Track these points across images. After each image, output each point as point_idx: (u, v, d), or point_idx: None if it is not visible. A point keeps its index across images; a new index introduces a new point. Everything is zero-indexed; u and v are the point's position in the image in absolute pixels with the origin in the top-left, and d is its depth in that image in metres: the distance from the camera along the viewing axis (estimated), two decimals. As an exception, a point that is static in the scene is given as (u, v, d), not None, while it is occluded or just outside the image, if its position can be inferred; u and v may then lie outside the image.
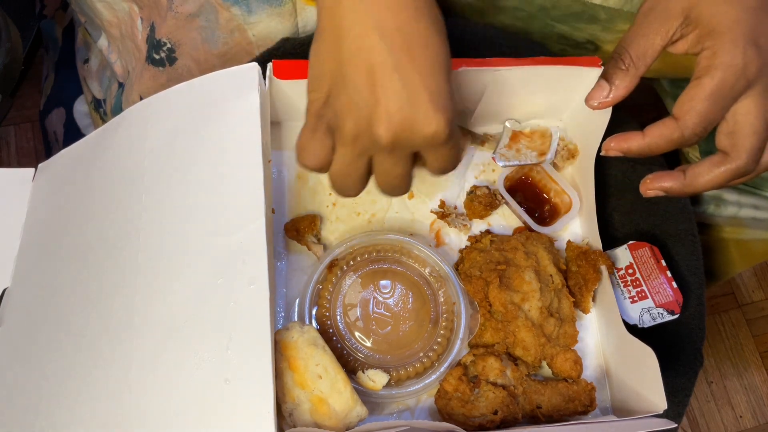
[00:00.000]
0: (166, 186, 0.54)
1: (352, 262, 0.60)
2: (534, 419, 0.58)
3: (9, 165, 1.24)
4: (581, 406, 0.59)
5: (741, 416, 1.33)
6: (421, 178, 0.67)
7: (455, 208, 0.66)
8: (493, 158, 0.67)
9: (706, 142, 0.70)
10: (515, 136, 0.67)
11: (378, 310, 0.59)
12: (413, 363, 0.58)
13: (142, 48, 0.69)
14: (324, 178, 0.65)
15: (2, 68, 0.56)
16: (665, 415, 0.54)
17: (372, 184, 0.67)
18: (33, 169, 0.62)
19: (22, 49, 0.61)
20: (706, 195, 0.74)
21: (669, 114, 0.74)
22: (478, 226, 0.66)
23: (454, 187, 0.67)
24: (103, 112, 0.82)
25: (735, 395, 1.34)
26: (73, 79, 0.91)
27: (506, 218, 0.67)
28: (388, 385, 0.56)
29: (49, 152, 1.00)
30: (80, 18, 0.81)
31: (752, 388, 1.35)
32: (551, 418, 0.58)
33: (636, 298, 0.62)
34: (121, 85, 0.76)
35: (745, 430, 1.32)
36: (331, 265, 0.60)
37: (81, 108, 0.91)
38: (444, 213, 0.65)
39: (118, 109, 0.76)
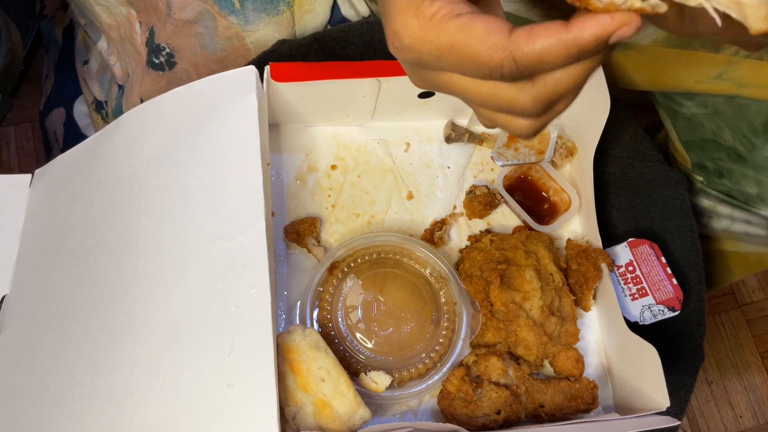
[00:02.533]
0: (165, 190, 0.54)
1: (352, 264, 0.60)
2: (537, 418, 0.58)
3: (9, 165, 1.24)
4: (584, 404, 0.59)
5: (741, 416, 1.33)
6: (420, 180, 0.67)
7: (454, 207, 0.66)
8: (491, 157, 0.67)
9: (697, 154, 0.71)
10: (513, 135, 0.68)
11: (379, 312, 0.59)
12: (415, 364, 0.58)
13: (141, 51, 0.69)
14: (322, 180, 0.65)
15: (2, 68, 0.56)
16: (668, 412, 0.54)
17: (368, 184, 0.66)
18: (30, 175, 0.62)
19: (22, 49, 0.60)
20: (702, 207, 0.74)
21: (662, 119, 0.75)
22: (477, 226, 0.66)
23: (453, 187, 0.67)
24: (105, 113, 0.82)
25: (735, 395, 1.34)
26: (73, 79, 0.91)
27: (506, 217, 0.67)
28: (390, 386, 0.56)
29: (49, 152, 1.00)
30: (80, 20, 0.81)
31: (752, 388, 1.35)
32: (554, 417, 0.58)
33: (636, 295, 0.62)
34: (120, 87, 0.76)
35: (745, 430, 1.32)
36: (332, 268, 0.60)
37: (81, 108, 0.91)
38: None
39: (119, 111, 0.76)
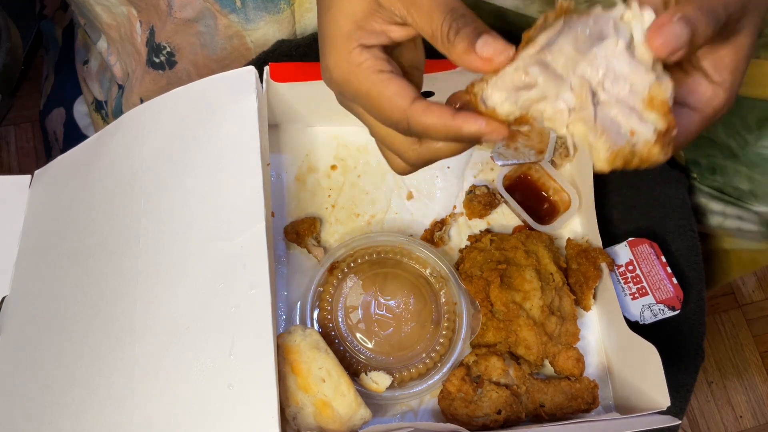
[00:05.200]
0: (165, 191, 0.54)
1: (352, 264, 0.60)
2: (537, 418, 0.58)
3: (9, 165, 1.24)
4: (584, 403, 0.59)
5: (741, 416, 1.33)
6: (420, 179, 0.67)
7: (454, 207, 0.66)
8: (491, 157, 0.67)
9: (690, 150, 0.71)
10: (513, 134, 0.67)
11: (379, 312, 0.59)
12: (416, 364, 0.58)
13: (141, 51, 0.69)
14: (322, 180, 0.65)
15: (2, 68, 0.56)
16: (668, 411, 0.54)
17: (368, 184, 0.66)
18: (29, 176, 0.62)
19: (22, 49, 0.60)
20: (695, 203, 0.74)
21: None
22: (477, 226, 0.66)
23: (453, 187, 0.67)
24: (104, 113, 0.82)
25: (735, 395, 1.34)
26: (72, 79, 0.91)
27: (506, 217, 0.67)
28: (391, 386, 0.56)
29: (49, 152, 1.00)
30: (80, 20, 0.81)
31: (752, 388, 1.35)
32: (554, 417, 0.58)
33: (637, 295, 0.62)
34: (120, 87, 0.76)
35: (745, 430, 1.32)
36: (332, 268, 0.60)
37: (81, 108, 0.91)
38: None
39: (119, 111, 0.76)
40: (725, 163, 0.67)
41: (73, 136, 0.89)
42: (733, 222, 0.73)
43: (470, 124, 0.35)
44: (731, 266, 0.81)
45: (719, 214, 0.73)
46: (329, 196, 0.65)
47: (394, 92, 0.37)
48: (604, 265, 0.62)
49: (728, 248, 0.78)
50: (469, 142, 0.38)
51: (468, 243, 0.65)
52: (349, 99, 0.40)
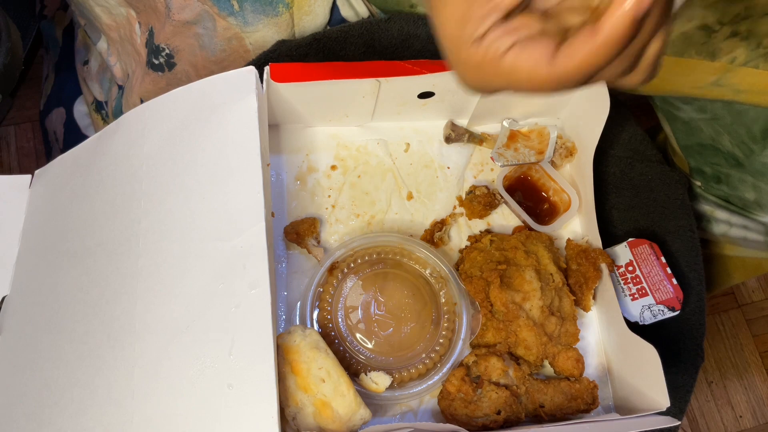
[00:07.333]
0: (165, 191, 0.54)
1: (352, 265, 0.60)
2: (537, 418, 0.58)
3: (9, 165, 1.24)
4: (584, 404, 0.59)
5: (741, 416, 1.33)
6: (420, 180, 0.67)
7: (454, 207, 0.66)
8: (491, 158, 0.67)
9: (695, 159, 0.71)
10: (513, 135, 0.68)
11: (379, 312, 0.59)
12: (415, 364, 0.58)
13: (141, 52, 0.69)
14: (322, 180, 0.65)
15: (2, 68, 0.56)
16: (668, 412, 0.54)
17: (368, 184, 0.66)
18: (30, 176, 0.62)
19: (22, 49, 0.60)
20: (700, 212, 0.74)
21: (661, 123, 0.75)
22: (477, 226, 0.66)
23: (453, 187, 0.67)
24: (105, 114, 0.82)
25: (735, 395, 1.34)
26: (72, 79, 0.91)
27: (506, 217, 0.67)
28: (390, 386, 0.56)
29: (49, 152, 1.00)
30: (80, 20, 0.81)
31: (752, 388, 1.35)
32: (554, 417, 0.58)
33: (636, 296, 0.62)
34: (120, 87, 0.76)
35: (745, 430, 1.32)
36: (332, 268, 0.60)
37: (81, 108, 0.91)
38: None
39: (119, 112, 0.76)
40: (730, 172, 0.67)
41: (73, 136, 0.89)
42: (739, 231, 0.73)
43: (615, 13, 0.28)
44: (735, 271, 0.81)
45: (724, 223, 0.73)
46: (329, 196, 0.65)
47: (530, 69, 0.31)
48: (603, 266, 0.62)
49: (732, 255, 0.78)
50: (627, 42, 0.30)
51: (468, 243, 0.65)
52: (500, 90, 0.34)
